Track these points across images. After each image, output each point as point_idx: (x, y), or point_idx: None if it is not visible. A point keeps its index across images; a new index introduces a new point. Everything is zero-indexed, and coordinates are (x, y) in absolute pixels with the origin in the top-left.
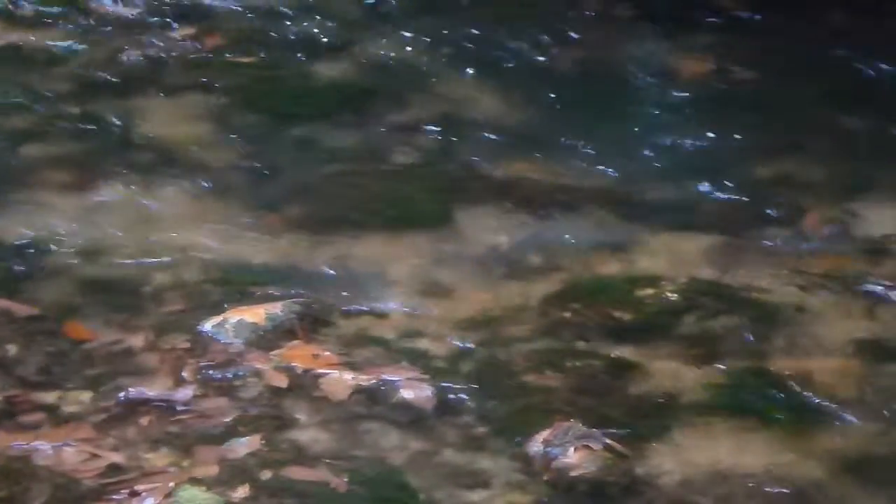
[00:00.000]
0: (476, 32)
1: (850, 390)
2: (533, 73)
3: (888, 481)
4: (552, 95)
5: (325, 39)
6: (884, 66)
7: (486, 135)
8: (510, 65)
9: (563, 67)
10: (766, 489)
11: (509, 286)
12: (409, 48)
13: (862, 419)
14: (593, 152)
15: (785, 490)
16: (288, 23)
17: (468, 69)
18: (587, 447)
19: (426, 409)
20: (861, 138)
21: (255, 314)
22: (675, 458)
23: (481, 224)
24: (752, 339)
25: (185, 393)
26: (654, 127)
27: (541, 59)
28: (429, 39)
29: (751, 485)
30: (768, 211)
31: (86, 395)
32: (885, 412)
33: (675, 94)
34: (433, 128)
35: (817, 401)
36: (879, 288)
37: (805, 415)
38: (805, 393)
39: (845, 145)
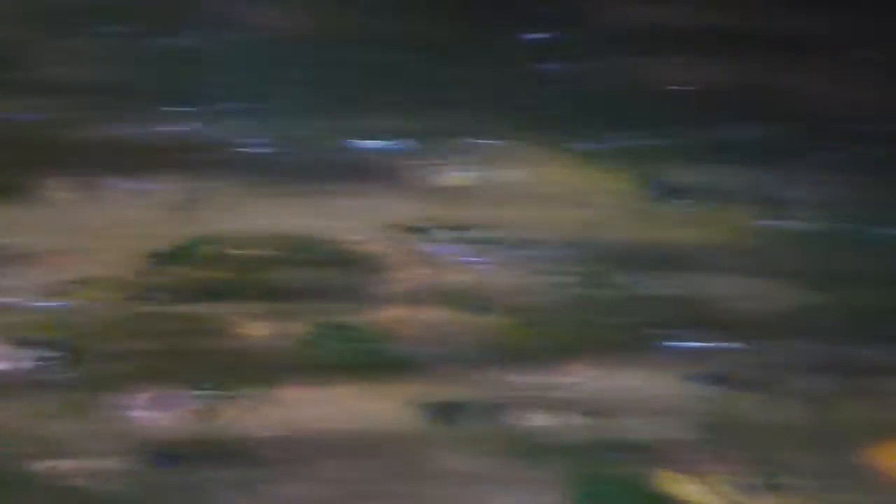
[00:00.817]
0: None
1: (435, 338)
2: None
3: (467, 423)
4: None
5: None
6: None
7: (75, 97)
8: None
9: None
10: (356, 439)
11: (97, 249)
12: None
13: (446, 366)
14: (179, 109)
15: (374, 439)
16: None
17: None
18: (179, 409)
19: (14, 377)
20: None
21: None
22: (266, 416)
23: (66, 188)
24: (339, 291)
25: None
26: (230, 82)
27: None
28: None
29: (341, 437)
30: (346, 166)
31: None
32: (466, 358)
33: (252, 49)
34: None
35: (401, 350)
36: (459, 234)
37: (392, 364)
38: (391, 343)
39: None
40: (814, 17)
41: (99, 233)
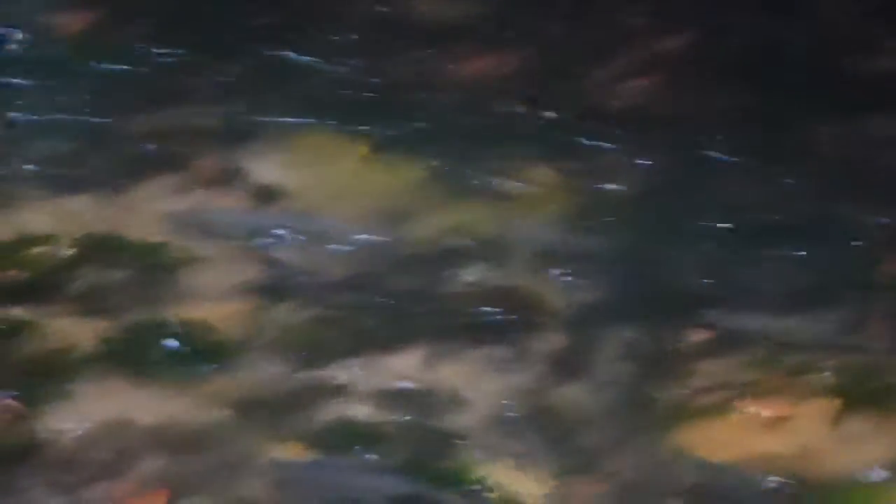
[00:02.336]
0: None
1: (243, 334)
2: None
3: (280, 417)
4: None
5: None
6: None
7: None
8: None
9: None
10: (164, 437)
11: None
12: None
13: (254, 361)
14: None
15: (181, 436)
16: None
17: None
18: None
19: None
20: (245, 88)
21: None
22: (73, 416)
23: None
24: (145, 290)
25: None
26: (34, 84)
27: None
28: None
29: (149, 435)
30: (158, 160)
31: None
32: (275, 352)
33: (59, 50)
34: None
35: (211, 347)
36: (269, 229)
37: (200, 361)
38: (199, 340)
39: (230, 95)
40: None
41: None
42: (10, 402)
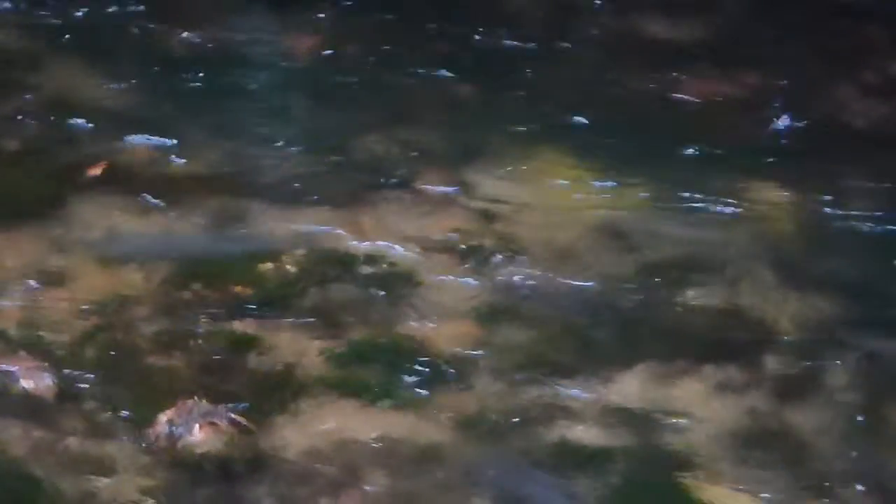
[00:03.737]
0: (81, 14)
1: (468, 352)
2: (144, 56)
3: (503, 436)
4: (164, 78)
5: None
6: (501, 40)
7: (97, 119)
8: (120, 48)
9: (174, 49)
10: (390, 453)
11: (128, 269)
12: (16, 33)
13: (478, 379)
14: (205, 133)
15: (408, 452)
16: None
17: (76, 54)
18: (212, 424)
19: (47, 398)
20: (469, 106)
21: None
22: (299, 430)
23: (96, 209)
24: (374, 307)
25: None
26: (268, 103)
27: (151, 41)
28: (35, 25)
29: (375, 450)
30: (385, 179)
31: None
32: (500, 371)
33: (290, 70)
34: (40, 113)
35: (438, 365)
36: (492, 249)
37: (427, 379)
38: (426, 358)
39: (455, 113)
40: None
41: (131, 251)
42: (236, 416)
